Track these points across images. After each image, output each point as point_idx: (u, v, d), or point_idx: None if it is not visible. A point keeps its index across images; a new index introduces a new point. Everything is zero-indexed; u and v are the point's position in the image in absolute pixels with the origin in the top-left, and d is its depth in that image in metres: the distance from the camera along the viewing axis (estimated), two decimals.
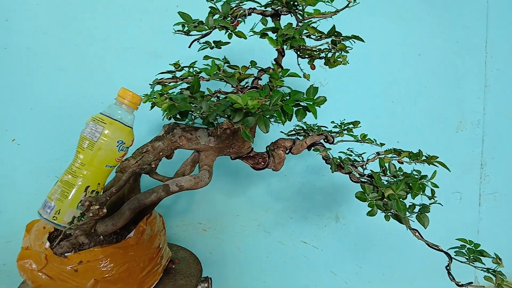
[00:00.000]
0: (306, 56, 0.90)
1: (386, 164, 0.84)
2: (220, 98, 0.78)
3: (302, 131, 1.05)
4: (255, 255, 1.44)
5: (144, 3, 1.23)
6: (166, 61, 0.93)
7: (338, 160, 0.91)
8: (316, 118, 0.69)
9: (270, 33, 0.81)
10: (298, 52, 0.89)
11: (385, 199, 0.69)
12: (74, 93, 1.20)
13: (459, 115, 1.56)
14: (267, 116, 0.66)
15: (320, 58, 0.93)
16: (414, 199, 0.75)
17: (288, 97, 0.70)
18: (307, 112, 0.73)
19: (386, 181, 0.79)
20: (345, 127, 1.03)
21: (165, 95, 0.75)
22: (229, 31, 0.81)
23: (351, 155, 0.98)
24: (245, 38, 0.79)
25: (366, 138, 0.98)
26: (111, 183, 0.86)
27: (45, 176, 1.20)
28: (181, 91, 0.75)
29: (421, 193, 0.76)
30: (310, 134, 1.00)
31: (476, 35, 1.53)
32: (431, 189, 0.79)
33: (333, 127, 1.03)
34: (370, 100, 1.45)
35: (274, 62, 0.87)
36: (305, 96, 0.73)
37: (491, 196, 1.67)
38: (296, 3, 0.78)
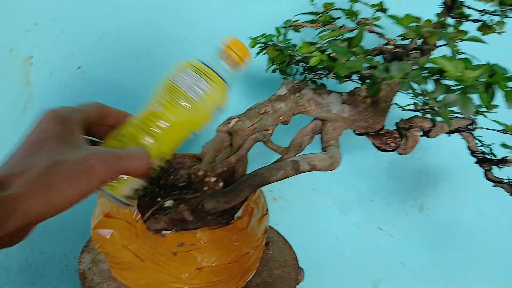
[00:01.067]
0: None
1: None
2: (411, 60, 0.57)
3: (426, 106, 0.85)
4: (324, 234, 1.28)
5: None
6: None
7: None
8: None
9: None
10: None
11: None
12: (150, 22, 1.01)
13: None
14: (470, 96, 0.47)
15: (474, 21, 0.72)
16: None
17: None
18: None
19: None
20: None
21: (315, 45, 0.55)
22: None
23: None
24: None
25: None
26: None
27: None
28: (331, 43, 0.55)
29: None
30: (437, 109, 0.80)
31: None
32: None
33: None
34: None
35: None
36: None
37: None
38: None
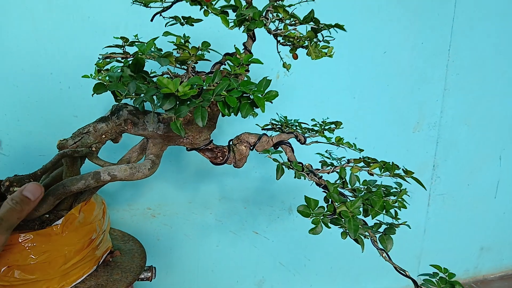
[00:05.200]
0: (288, 43, 0.85)
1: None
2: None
3: (278, 125, 1.01)
4: (205, 243, 1.40)
5: None
6: (128, 35, 0.86)
7: (291, 166, 0.87)
8: (263, 112, 0.63)
9: (231, 12, 0.75)
10: (279, 38, 0.83)
11: (336, 216, 0.66)
12: (23, 60, 1.10)
13: (417, 116, 1.57)
14: (206, 107, 0.61)
15: (303, 47, 0.87)
16: (373, 219, 0.72)
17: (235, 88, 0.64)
18: (254, 107, 0.65)
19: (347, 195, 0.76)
20: (326, 127, 0.98)
21: (102, 71, 0.68)
22: (203, 7, 0.74)
23: (329, 158, 0.92)
24: (217, 14, 0.73)
25: (342, 141, 0.92)
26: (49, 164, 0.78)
27: None
28: (121, 69, 0.68)
29: (384, 213, 0.73)
30: (285, 130, 0.96)
31: (441, 39, 1.53)
32: (395, 210, 0.75)
33: (312, 125, 0.98)
34: (333, 94, 1.43)
35: (243, 46, 0.82)
36: (255, 88, 0.66)
37: (440, 197, 1.72)
38: None
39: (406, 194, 0.83)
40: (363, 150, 0.91)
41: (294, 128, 0.98)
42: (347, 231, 0.64)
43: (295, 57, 0.88)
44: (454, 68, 1.58)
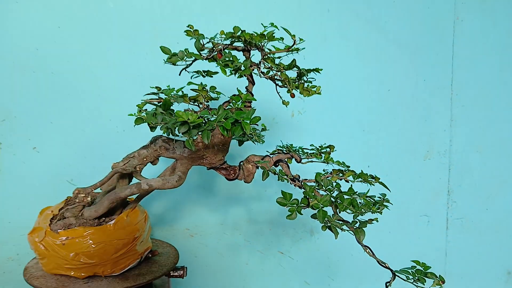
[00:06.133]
0: (285, 86, 1.10)
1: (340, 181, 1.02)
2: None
3: (284, 150, 1.24)
4: (235, 261, 1.61)
5: (151, 39, 1.47)
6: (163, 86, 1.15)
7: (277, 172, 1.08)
8: (248, 133, 0.86)
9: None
10: (277, 82, 1.09)
11: (309, 207, 0.87)
12: (89, 110, 1.43)
13: (426, 145, 1.74)
14: (210, 130, 0.86)
15: (296, 88, 1.12)
16: (340, 213, 0.91)
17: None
18: (243, 129, 0.88)
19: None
20: (322, 150, 1.20)
21: (142, 110, 0.96)
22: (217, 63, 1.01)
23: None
24: (220, 66, 1.00)
25: (331, 159, 1.14)
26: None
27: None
28: (155, 108, 0.96)
29: (350, 207, 0.92)
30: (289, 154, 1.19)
31: (442, 75, 1.72)
32: (356, 204, 0.94)
33: (311, 149, 1.21)
34: (344, 128, 1.65)
35: (245, 89, 1.08)
36: (243, 116, 0.90)
37: (459, 221, 1.82)
38: (252, 42, 0.99)
39: (389, 202, 1.04)
40: (349, 166, 1.12)
41: (297, 152, 1.21)
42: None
43: (292, 95, 1.13)
44: (458, 100, 1.74)
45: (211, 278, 1.59)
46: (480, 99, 1.76)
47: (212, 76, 1.11)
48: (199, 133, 0.87)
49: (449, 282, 1.84)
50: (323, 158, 1.15)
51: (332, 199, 0.91)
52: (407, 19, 1.66)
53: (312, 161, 1.18)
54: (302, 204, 0.88)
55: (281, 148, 1.24)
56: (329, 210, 0.91)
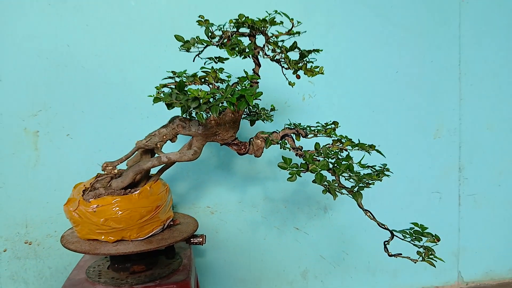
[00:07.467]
0: (290, 68, 1.19)
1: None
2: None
3: (291, 127, 1.34)
4: (254, 236, 1.73)
5: (169, 33, 1.60)
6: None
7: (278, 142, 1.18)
8: (252, 104, 0.97)
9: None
10: (283, 65, 1.19)
11: (308, 171, 0.97)
12: (116, 100, 1.58)
13: (435, 124, 1.79)
14: (218, 105, 0.97)
15: (299, 69, 1.22)
16: (337, 176, 1.01)
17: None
18: (248, 103, 0.98)
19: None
20: (327, 127, 1.29)
21: (159, 91, 1.08)
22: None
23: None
24: (227, 49, 1.11)
25: (334, 133, 1.23)
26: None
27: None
28: (171, 89, 1.08)
29: (347, 172, 1.01)
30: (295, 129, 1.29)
31: (450, 55, 1.77)
32: (354, 169, 1.03)
33: (317, 127, 1.30)
34: (354, 109, 1.73)
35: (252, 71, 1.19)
36: (248, 92, 1.01)
37: (471, 197, 1.87)
38: (255, 27, 1.10)
39: (389, 171, 1.12)
40: (350, 139, 1.21)
41: (303, 129, 1.31)
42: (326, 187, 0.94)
43: (298, 77, 1.23)
44: (466, 79, 1.79)
45: (231, 252, 1.71)
46: (488, 78, 1.80)
47: (223, 62, 1.22)
48: (209, 108, 0.99)
49: (464, 257, 1.90)
50: (326, 133, 1.24)
51: (330, 165, 1.01)
52: (413, 3, 1.73)
53: (317, 136, 1.27)
54: (302, 169, 0.98)
55: (289, 126, 1.34)
56: (329, 176, 1.01)
